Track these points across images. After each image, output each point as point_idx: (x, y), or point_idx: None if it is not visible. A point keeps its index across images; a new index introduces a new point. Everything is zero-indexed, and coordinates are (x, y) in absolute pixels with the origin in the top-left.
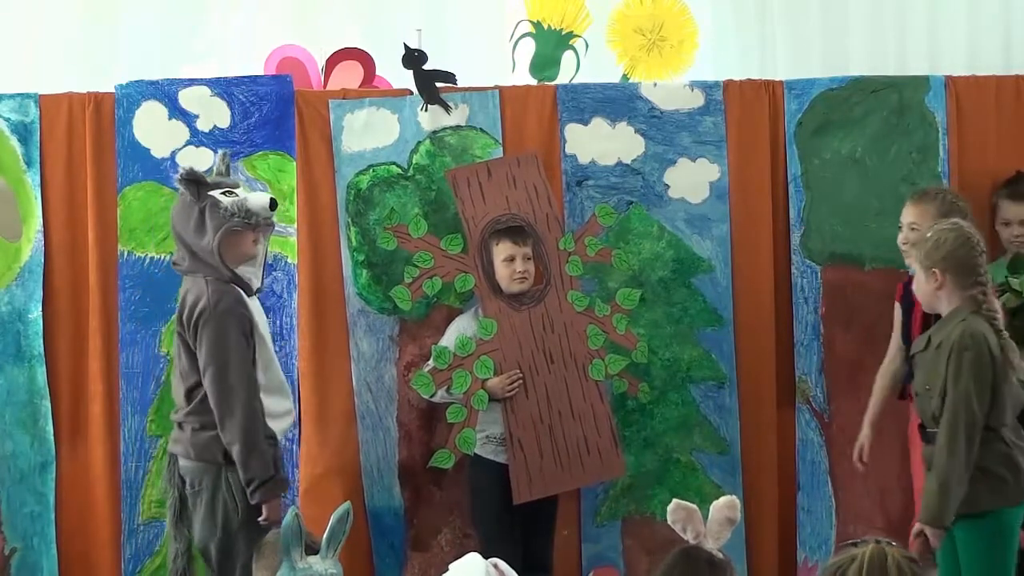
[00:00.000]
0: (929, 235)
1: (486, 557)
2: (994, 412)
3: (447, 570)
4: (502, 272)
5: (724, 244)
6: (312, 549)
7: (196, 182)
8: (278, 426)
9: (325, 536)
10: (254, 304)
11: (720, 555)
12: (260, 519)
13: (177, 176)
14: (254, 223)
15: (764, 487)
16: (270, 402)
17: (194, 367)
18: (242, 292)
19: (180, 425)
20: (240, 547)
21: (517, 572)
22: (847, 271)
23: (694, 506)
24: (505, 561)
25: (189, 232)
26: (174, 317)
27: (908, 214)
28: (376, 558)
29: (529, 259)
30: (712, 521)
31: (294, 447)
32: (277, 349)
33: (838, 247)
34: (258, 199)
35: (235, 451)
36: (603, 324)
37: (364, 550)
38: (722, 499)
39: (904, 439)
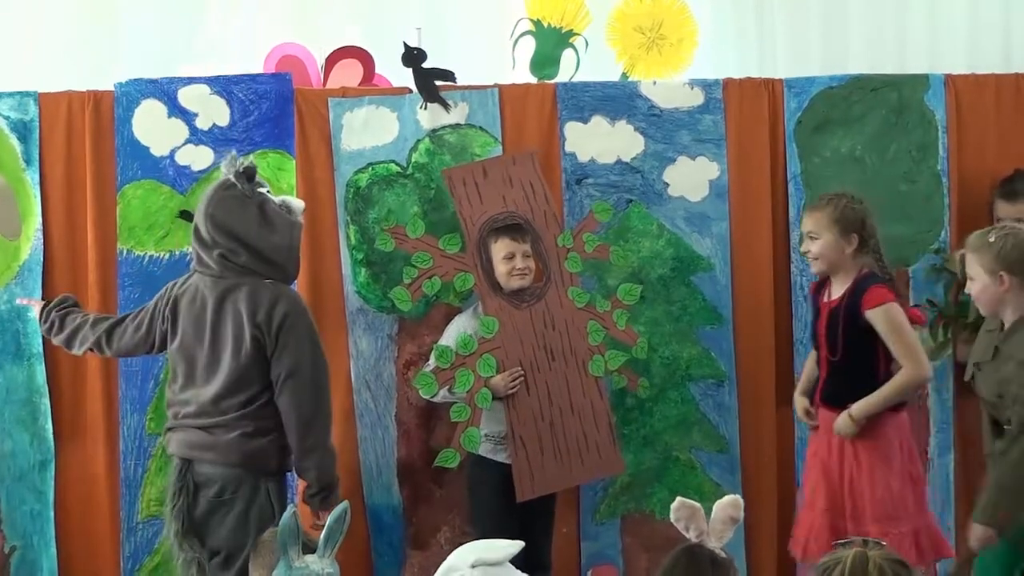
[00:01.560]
0: (992, 239)
1: None
2: None
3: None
4: (501, 269)
5: (724, 242)
6: (309, 548)
7: (251, 178)
8: None
9: (323, 535)
10: None
11: (723, 554)
12: (319, 523)
13: (234, 170)
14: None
15: (763, 485)
16: None
17: (262, 371)
18: None
19: (211, 430)
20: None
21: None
22: None
23: (698, 504)
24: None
25: (252, 230)
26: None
27: (805, 223)
28: (375, 556)
29: (528, 256)
30: (715, 520)
31: None
32: None
33: None
34: (297, 203)
35: (319, 458)
36: (603, 320)
37: (363, 548)
38: (726, 498)
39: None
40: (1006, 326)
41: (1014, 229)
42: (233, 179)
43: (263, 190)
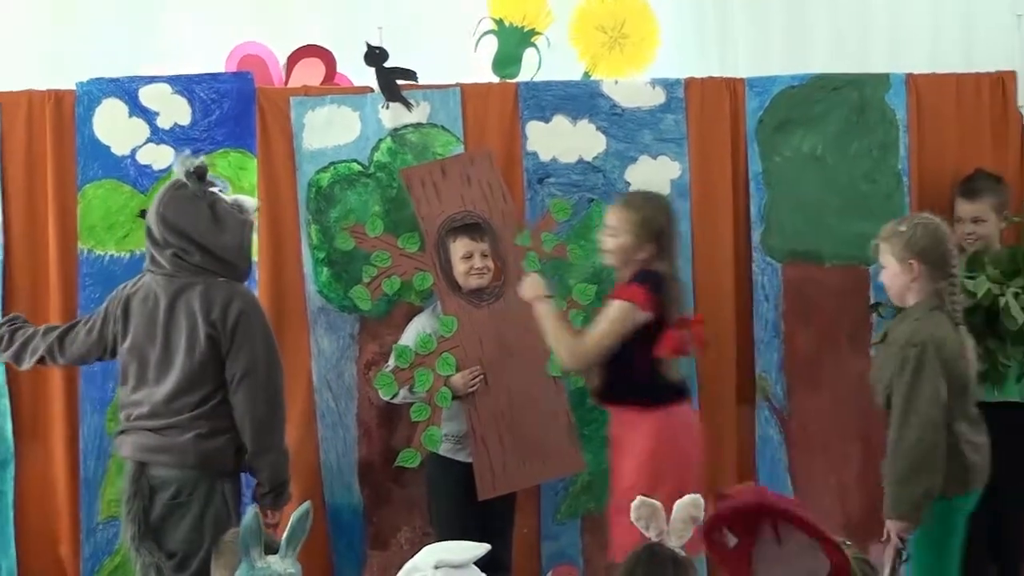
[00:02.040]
0: (903, 228)
1: None
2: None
3: None
4: (460, 269)
5: (685, 241)
6: (271, 548)
7: (202, 178)
8: None
9: (285, 535)
10: None
11: (683, 553)
12: (270, 523)
13: (185, 169)
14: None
15: (724, 484)
16: None
17: (216, 371)
18: None
19: (164, 431)
20: None
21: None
22: (807, 268)
23: (658, 503)
24: None
25: (202, 229)
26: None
27: (609, 216)
28: (335, 556)
29: (487, 255)
30: (675, 519)
31: None
32: None
33: (798, 244)
34: (247, 199)
35: (272, 458)
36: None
37: (323, 548)
38: (686, 497)
39: (865, 438)
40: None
41: (926, 219)
42: (184, 179)
43: (215, 189)
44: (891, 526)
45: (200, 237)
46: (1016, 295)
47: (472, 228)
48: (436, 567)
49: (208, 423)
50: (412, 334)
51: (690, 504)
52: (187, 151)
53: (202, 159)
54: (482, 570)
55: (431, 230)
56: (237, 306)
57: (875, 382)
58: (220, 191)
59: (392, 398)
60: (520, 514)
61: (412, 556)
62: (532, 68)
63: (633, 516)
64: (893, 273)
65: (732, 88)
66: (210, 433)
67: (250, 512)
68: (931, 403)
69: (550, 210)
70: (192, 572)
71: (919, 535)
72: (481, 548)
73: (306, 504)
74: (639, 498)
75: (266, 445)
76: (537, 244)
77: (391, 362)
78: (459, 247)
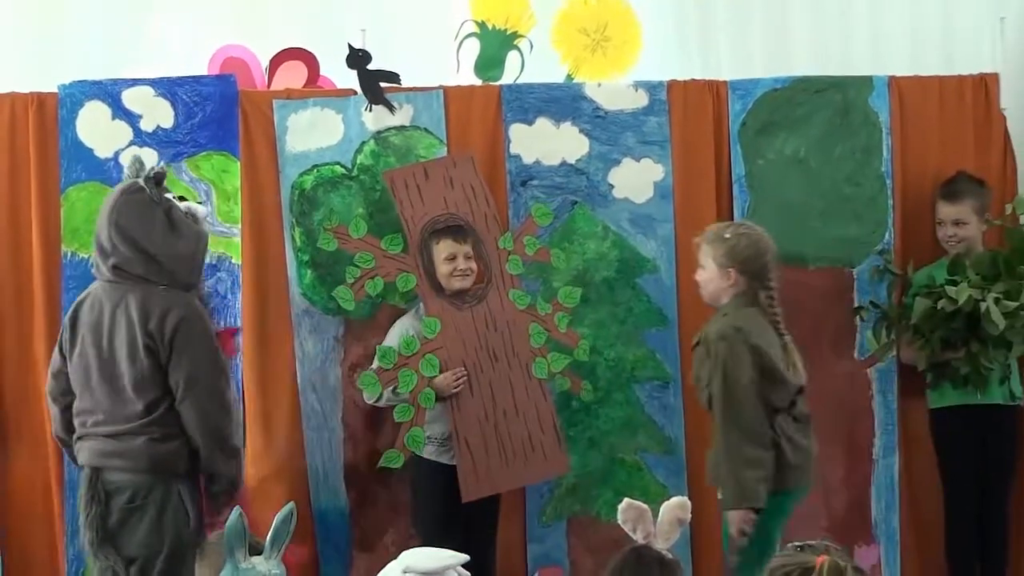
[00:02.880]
0: (727, 236)
1: None
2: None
3: None
4: (443, 270)
5: (668, 244)
6: (256, 550)
7: (160, 184)
8: None
9: (269, 536)
10: None
11: (670, 555)
12: (221, 519)
13: (144, 174)
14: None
15: (709, 487)
16: None
17: (160, 379)
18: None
19: (118, 437)
20: (189, 559)
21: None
22: (791, 270)
23: (645, 506)
24: None
25: (154, 235)
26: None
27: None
28: (322, 559)
29: (470, 257)
30: (662, 521)
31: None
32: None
33: (782, 247)
34: (202, 209)
35: (223, 458)
36: (545, 322)
37: (310, 550)
38: (673, 499)
39: (849, 440)
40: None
41: (750, 229)
42: (142, 183)
43: (170, 195)
44: (734, 518)
45: (151, 245)
46: (996, 300)
47: (455, 230)
48: (404, 572)
49: (159, 428)
50: (396, 335)
51: (677, 506)
52: (138, 155)
53: (162, 164)
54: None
55: (414, 232)
56: (175, 316)
57: (696, 382)
58: (174, 198)
59: (376, 400)
60: (505, 516)
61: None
62: (515, 71)
63: (620, 519)
64: (711, 276)
65: (715, 91)
66: (162, 438)
67: (235, 513)
68: (747, 391)
69: (532, 214)
70: (152, 573)
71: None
72: (457, 558)
73: (289, 505)
74: (626, 500)
75: (219, 451)
76: (520, 247)
77: (375, 363)
78: (442, 249)
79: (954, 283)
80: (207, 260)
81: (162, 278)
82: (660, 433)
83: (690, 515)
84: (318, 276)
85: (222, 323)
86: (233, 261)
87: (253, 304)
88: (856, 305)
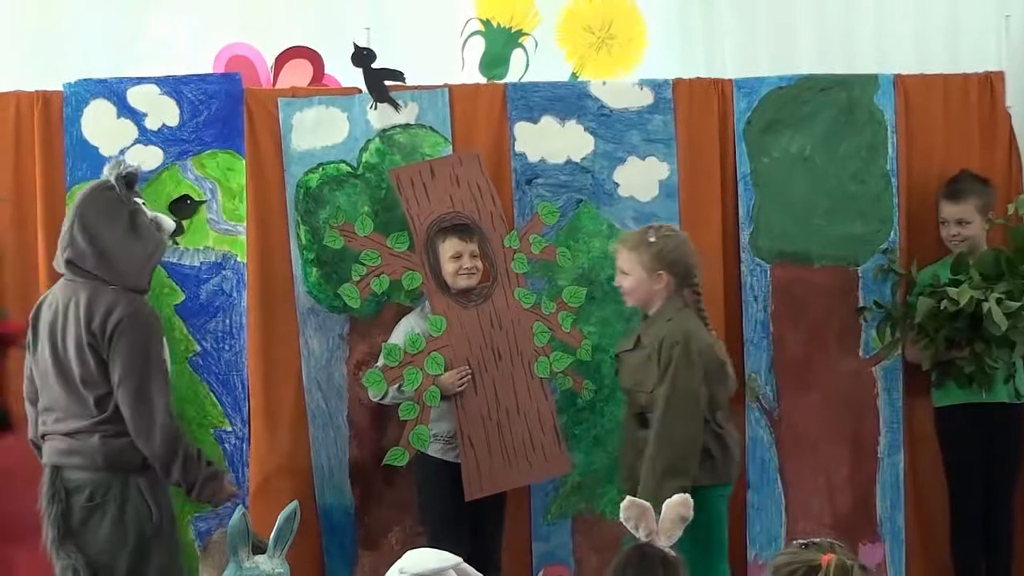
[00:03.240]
0: (652, 239)
1: None
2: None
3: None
4: (449, 269)
5: None
6: (260, 548)
7: (131, 184)
8: None
9: (272, 535)
10: None
11: (672, 553)
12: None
13: (116, 173)
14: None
15: None
16: None
17: (104, 376)
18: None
19: (75, 435)
20: (155, 555)
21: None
22: (796, 269)
23: (647, 503)
24: None
25: (115, 234)
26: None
27: None
28: (327, 557)
29: (476, 256)
30: (665, 519)
31: (244, 446)
32: (227, 348)
33: (787, 245)
34: (168, 222)
35: (156, 461)
36: (549, 321)
37: (315, 548)
38: (676, 497)
39: (854, 439)
40: (649, 320)
41: (672, 231)
42: (112, 181)
43: (139, 200)
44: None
45: (108, 242)
46: (999, 301)
47: (461, 228)
48: (400, 573)
49: (111, 425)
50: (401, 333)
51: (679, 503)
52: (121, 156)
53: (136, 166)
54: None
55: (420, 230)
56: (117, 315)
57: (633, 385)
58: (143, 205)
59: (381, 397)
60: (511, 514)
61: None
62: (520, 69)
63: (622, 516)
64: (639, 280)
65: (720, 89)
66: (115, 434)
67: (238, 512)
68: (694, 396)
69: (538, 213)
70: (119, 572)
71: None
72: (450, 560)
73: (293, 504)
74: (628, 498)
75: (152, 453)
76: (526, 246)
77: (380, 360)
78: (448, 247)
79: (957, 283)
80: (212, 259)
81: (113, 277)
82: None
83: (692, 512)
84: (323, 274)
85: (227, 321)
86: (238, 259)
87: (258, 302)
88: (860, 305)
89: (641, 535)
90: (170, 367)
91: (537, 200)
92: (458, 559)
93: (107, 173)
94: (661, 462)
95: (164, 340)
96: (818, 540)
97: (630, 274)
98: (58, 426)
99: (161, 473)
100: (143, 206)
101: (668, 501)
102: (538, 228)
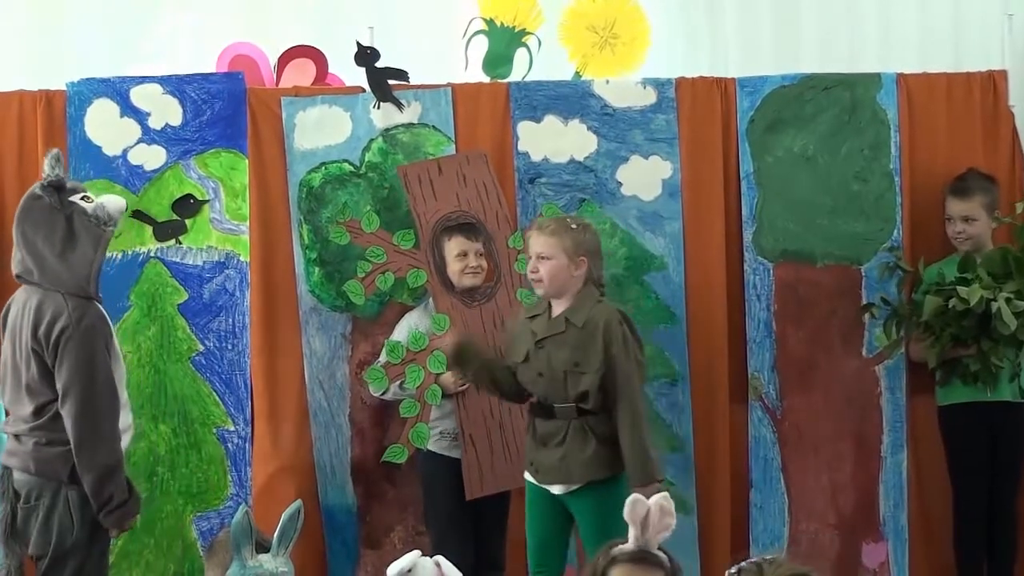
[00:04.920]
0: (574, 226)
1: (438, 552)
2: None
3: None
4: (454, 267)
5: (677, 241)
6: (263, 547)
7: (60, 189)
8: (125, 441)
9: (276, 534)
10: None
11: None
12: (112, 536)
13: (41, 183)
14: (112, 228)
15: (717, 484)
16: (121, 416)
17: (48, 384)
18: (100, 306)
19: (19, 438)
20: (68, 567)
21: (470, 569)
22: (799, 268)
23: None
24: (458, 557)
25: (53, 243)
26: (17, 328)
27: None
28: (330, 555)
29: (481, 255)
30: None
31: (247, 446)
32: (230, 347)
33: (790, 244)
34: (115, 202)
35: (93, 476)
36: None
37: (318, 547)
38: (654, 497)
39: (857, 437)
40: (566, 305)
41: (585, 220)
42: (39, 191)
43: (76, 198)
44: (646, 492)
45: (47, 254)
46: (1008, 300)
47: (467, 227)
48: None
49: (45, 433)
50: (404, 330)
51: (662, 497)
52: (56, 150)
53: (58, 173)
54: (476, 569)
55: (426, 228)
56: (61, 323)
57: (572, 367)
58: (83, 198)
59: (383, 394)
60: (513, 513)
61: (405, 555)
62: (523, 68)
63: (627, 515)
64: (561, 266)
65: (723, 88)
66: (47, 443)
67: (241, 510)
68: (642, 372)
69: (543, 213)
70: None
71: (598, 508)
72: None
73: (296, 503)
74: (633, 496)
75: (84, 464)
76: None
77: (382, 357)
78: (454, 246)
79: (964, 281)
80: (215, 258)
81: (59, 286)
82: (668, 430)
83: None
84: (326, 273)
85: (230, 320)
86: (241, 259)
87: (261, 301)
88: (867, 303)
89: (637, 536)
90: (124, 376)
91: (540, 199)
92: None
93: (47, 171)
94: (644, 438)
95: (116, 344)
96: (746, 565)
97: (552, 259)
98: (8, 427)
99: (92, 486)
100: (83, 199)
101: (653, 499)
102: None
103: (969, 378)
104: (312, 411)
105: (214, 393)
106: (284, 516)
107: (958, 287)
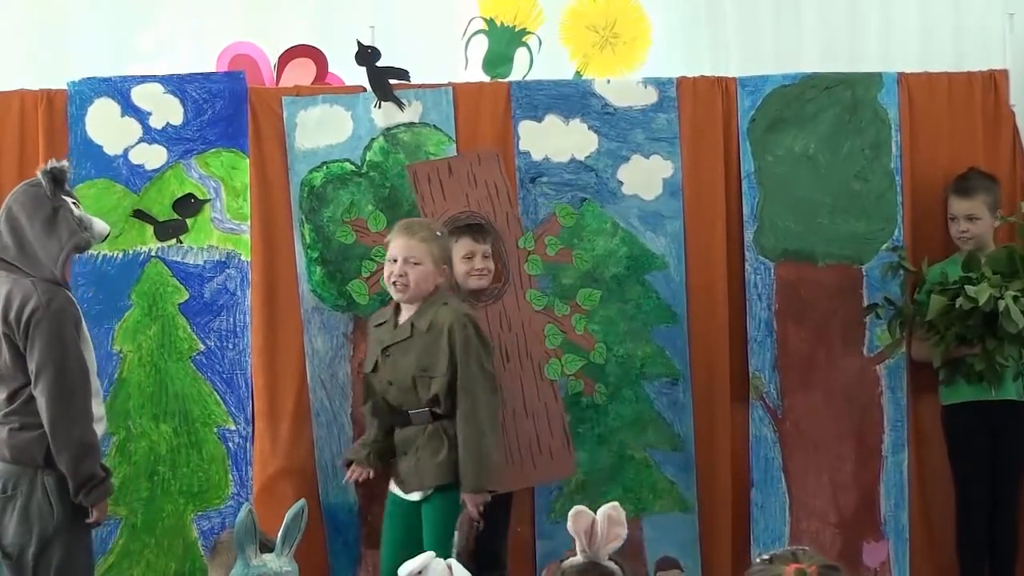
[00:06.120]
0: (439, 233)
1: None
2: None
3: None
4: (461, 269)
5: (678, 241)
6: (267, 547)
7: (59, 182)
8: (99, 431)
9: (280, 533)
10: None
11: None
12: (89, 521)
13: (43, 169)
14: (87, 247)
15: (718, 483)
16: (93, 406)
17: (21, 369)
18: (69, 292)
19: None
20: (56, 551)
21: (472, 568)
22: (800, 267)
23: (593, 513)
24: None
25: (34, 226)
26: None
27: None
28: (331, 555)
29: (488, 256)
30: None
31: (248, 445)
32: (231, 347)
33: (791, 244)
34: (101, 226)
35: (69, 454)
36: (561, 324)
37: (319, 547)
38: (605, 506)
39: (858, 437)
40: (413, 310)
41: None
42: (40, 177)
43: (68, 200)
44: (473, 499)
45: (27, 234)
46: (1015, 299)
47: (475, 229)
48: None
49: (19, 418)
50: None
51: (610, 508)
52: (65, 163)
53: (64, 164)
54: (478, 569)
55: None
56: (31, 306)
57: (420, 372)
58: (74, 203)
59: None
60: (514, 512)
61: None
62: (524, 68)
63: (570, 527)
64: (428, 273)
65: (724, 87)
66: (21, 427)
67: (244, 509)
68: (492, 374)
69: (556, 214)
70: (28, 566)
71: (440, 515)
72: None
73: (300, 502)
74: (576, 508)
75: (61, 444)
76: (541, 248)
77: None
78: (461, 247)
79: (969, 280)
80: (216, 257)
81: (31, 269)
82: (669, 430)
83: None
84: (327, 273)
85: (231, 320)
86: (242, 258)
87: (262, 301)
88: (871, 303)
89: (582, 546)
90: (94, 364)
91: (541, 199)
92: (449, 560)
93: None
94: (484, 442)
95: (85, 329)
96: (779, 551)
97: (421, 264)
98: None
99: (68, 464)
100: (73, 206)
101: (600, 510)
102: (555, 230)
103: (973, 377)
104: (314, 410)
105: (215, 392)
106: (288, 515)
107: (966, 286)
